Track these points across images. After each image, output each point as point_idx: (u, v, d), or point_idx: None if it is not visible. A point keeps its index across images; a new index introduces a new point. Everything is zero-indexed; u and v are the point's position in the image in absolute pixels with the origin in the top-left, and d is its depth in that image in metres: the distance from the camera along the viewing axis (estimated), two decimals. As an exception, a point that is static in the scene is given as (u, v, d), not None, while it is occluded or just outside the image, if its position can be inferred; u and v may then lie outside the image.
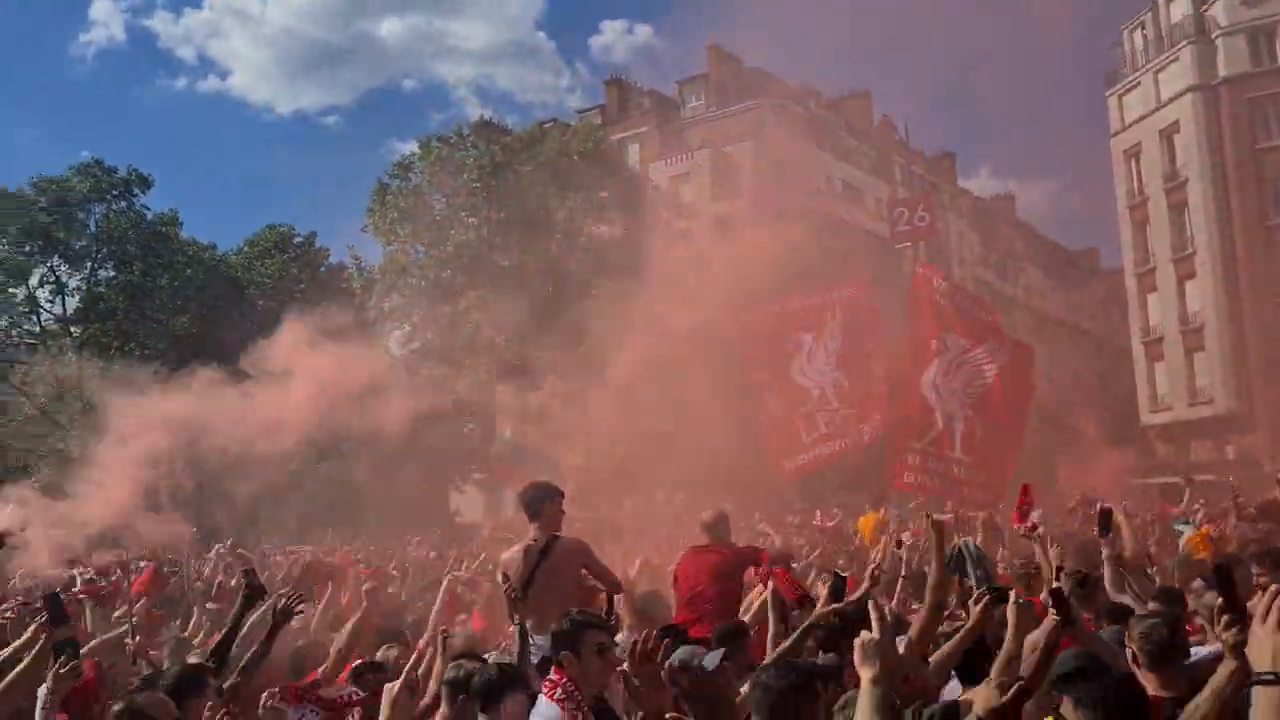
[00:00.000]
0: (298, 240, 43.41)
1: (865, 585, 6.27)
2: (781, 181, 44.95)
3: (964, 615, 5.67)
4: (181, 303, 38.40)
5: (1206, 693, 3.56)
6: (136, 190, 39.46)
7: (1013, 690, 3.11)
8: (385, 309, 38.09)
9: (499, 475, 23.84)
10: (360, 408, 10.81)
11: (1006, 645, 4.40)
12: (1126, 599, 6.41)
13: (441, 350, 34.71)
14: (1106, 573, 6.79)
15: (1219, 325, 42.69)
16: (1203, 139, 43.75)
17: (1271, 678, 2.64)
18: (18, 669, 5.19)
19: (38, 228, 37.38)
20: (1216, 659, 3.73)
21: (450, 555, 13.45)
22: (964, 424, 11.63)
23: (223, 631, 6.20)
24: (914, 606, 6.37)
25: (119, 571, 9.61)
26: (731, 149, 48.84)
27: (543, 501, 6.73)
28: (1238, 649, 3.26)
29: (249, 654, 5.66)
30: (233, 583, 10.28)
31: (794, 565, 8.65)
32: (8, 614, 8.46)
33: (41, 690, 4.68)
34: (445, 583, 8.25)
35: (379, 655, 6.31)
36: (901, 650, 4.01)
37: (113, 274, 39.58)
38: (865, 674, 3.14)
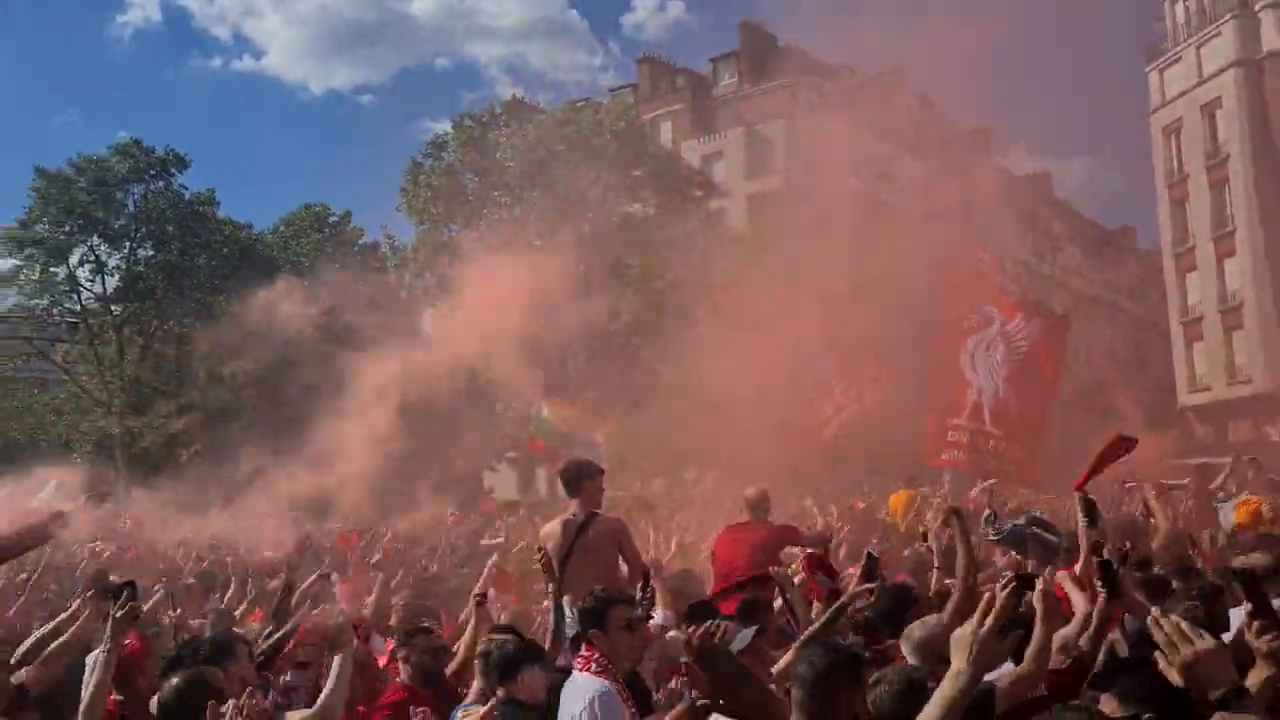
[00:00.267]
0: (333, 219, 43.72)
1: (937, 568, 6.34)
2: (815, 159, 44.62)
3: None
4: (218, 282, 38.83)
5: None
6: (174, 170, 39.84)
7: (1069, 665, 3.10)
8: (419, 288, 38.26)
9: (534, 452, 23.92)
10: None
11: (1037, 635, 4.34)
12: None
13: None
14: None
15: (1259, 304, 42.07)
16: (1245, 115, 42.96)
17: None
18: (75, 626, 5.35)
19: (78, 207, 37.89)
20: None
21: (495, 526, 13.64)
22: (996, 398, 11.50)
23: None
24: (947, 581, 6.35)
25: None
26: (764, 127, 48.54)
27: (583, 478, 6.82)
28: (1274, 656, 3.10)
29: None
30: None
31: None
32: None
33: (91, 656, 4.76)
34: (490, 562, 8.31)
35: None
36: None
37: (151, 253, 40.03)
38: (957, 662, 3.05)
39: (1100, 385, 30.14)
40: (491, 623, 5.85)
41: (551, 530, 6.77)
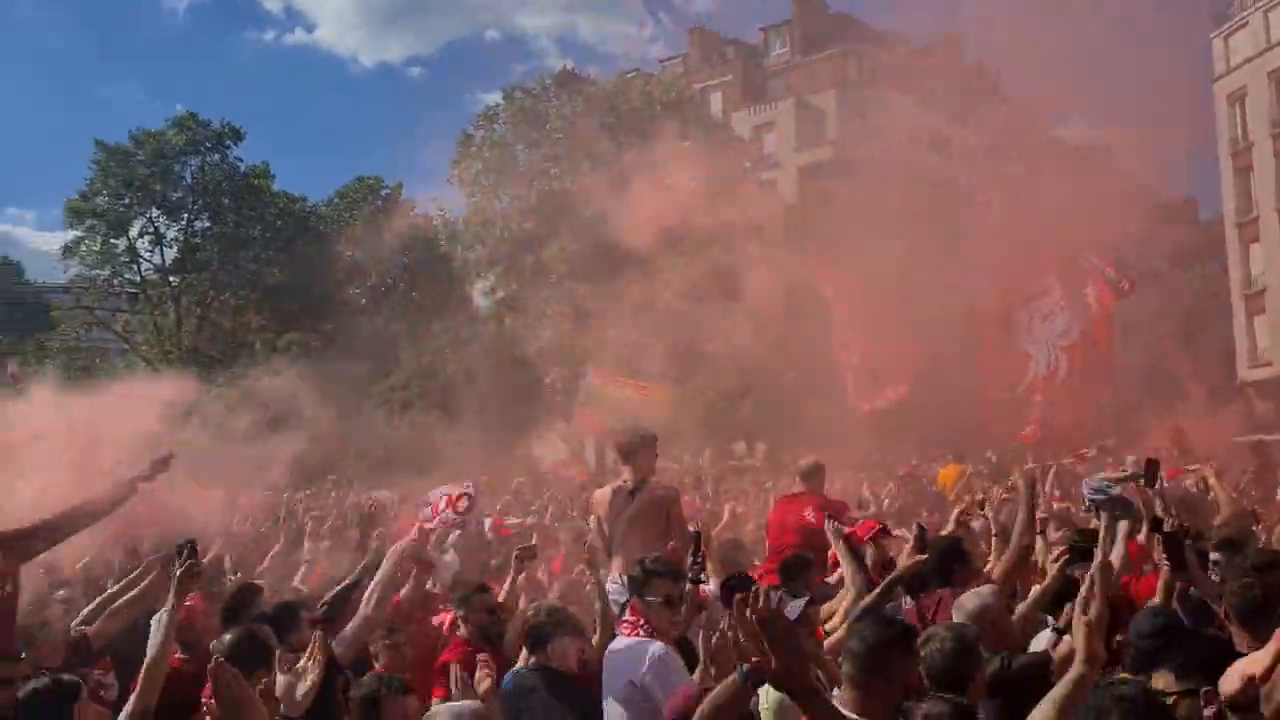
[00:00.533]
0: (385, 192, 43.99)
1: (994, 535, 6.31)
2: (867, 129, 44.06)
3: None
4: (273, 253, 39.29)
5: None
6: (229, 142, 40.40)
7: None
8: (470, 260, 38.45)
9: (581, 423, 24.01)
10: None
11: (1093, 610, 4.29)
12: None
13: (525, 300, 34.96)
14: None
15: (1325, 276, 40.96)
16: (1314, 81, 41.72)
17: None
18: (142, 584, 5.54)
19: (137, 180, 38.55)
20: None
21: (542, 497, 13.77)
22: (1051, 366, 11.40)
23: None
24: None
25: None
26: (816, 97, 47.97)
27: (637, 446, 6.85)
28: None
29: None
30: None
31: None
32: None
33: (155, 618, 4.85)
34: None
35: None
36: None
37: (208, 225, 40.65)
38: (1081, 654, 3.12)
39: (1159, 357, 29.55)
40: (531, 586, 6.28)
41: (602, 496, 6.85)
